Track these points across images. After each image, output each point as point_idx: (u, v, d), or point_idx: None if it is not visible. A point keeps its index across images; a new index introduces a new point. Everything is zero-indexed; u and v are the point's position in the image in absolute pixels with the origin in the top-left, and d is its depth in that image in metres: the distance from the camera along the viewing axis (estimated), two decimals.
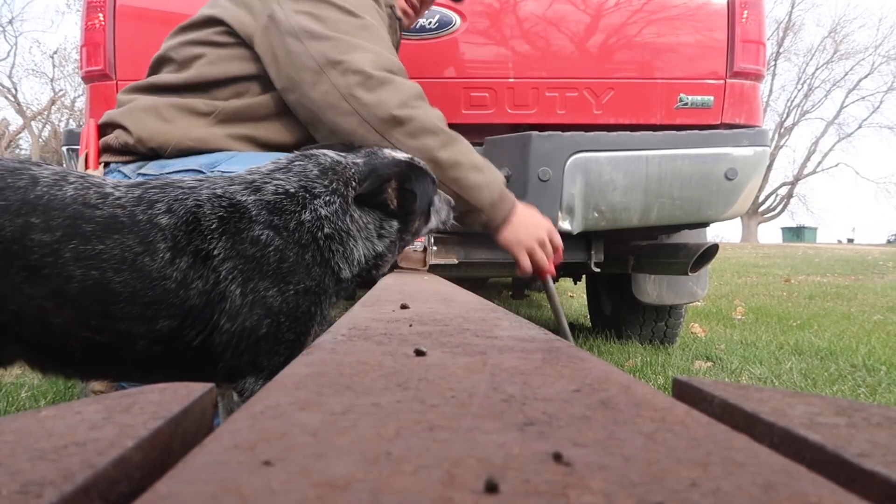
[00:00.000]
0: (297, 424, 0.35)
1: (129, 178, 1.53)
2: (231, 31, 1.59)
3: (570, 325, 3.94)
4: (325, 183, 1.17)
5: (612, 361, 2.70)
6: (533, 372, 0.48)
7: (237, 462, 0.29)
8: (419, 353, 0.55)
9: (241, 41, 1.58)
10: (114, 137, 1.59)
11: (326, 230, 1.14)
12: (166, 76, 1.64)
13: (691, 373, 2.57)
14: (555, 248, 1.71)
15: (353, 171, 1.23)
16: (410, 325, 0.72)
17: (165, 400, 0.43)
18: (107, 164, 1.60)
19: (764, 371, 2.55)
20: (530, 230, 1.67)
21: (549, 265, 1.71)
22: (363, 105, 1.46)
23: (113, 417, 0.38)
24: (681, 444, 0.32)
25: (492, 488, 0.26)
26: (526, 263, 1.67)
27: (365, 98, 1.47)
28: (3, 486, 0.28)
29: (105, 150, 1.62)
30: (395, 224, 1.28)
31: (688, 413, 0.38)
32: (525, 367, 0.50)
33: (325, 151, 1.25)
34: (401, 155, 1.36)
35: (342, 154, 1.27)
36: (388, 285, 1.38)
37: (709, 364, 2.72)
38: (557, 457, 0.30)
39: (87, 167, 1.60)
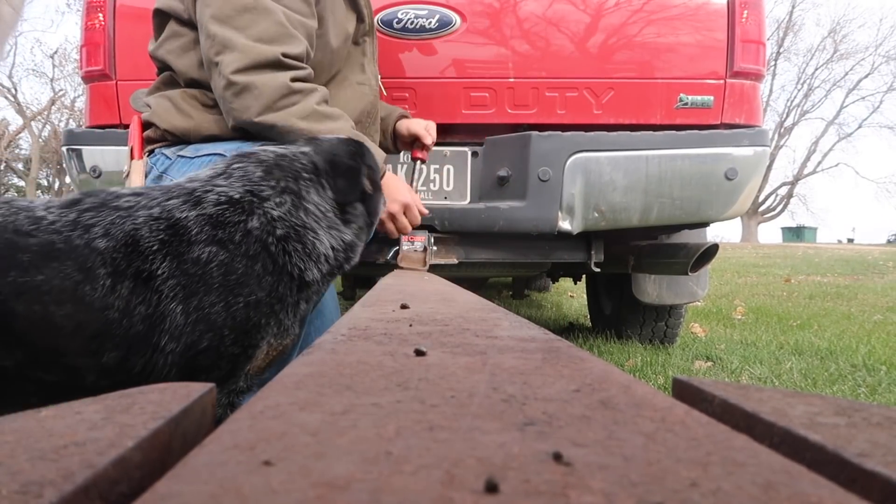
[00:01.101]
0: (297, 424, 0.35)
1: (171, 159, 1.61)
2: (178, 19, 1.64)
3: (571, 324, 3.95)
4: (273, 183, 1.12)
5: (612, 361, 2.70)
6: (533, 372, 0.48)
7: (237, 462, 0.29)
8: (419, 353, 0.55)
9: (192, 23, 1.62)
10: (151, 131, 1.66)
11: (279, 232, 1.09)
12: (168, 76, 1.72)
13: (691, 373, 2.57)
14: (411, 220, 1.83)
15: (301, 161, 1.18)
16: (410, 325, 0.72)
17: (165, 400, 0.43)
18: (151, 152, 1.67)
19: (764, 371, 2.54)
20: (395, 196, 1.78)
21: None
22: (233, 108, 1.51)
23: (113, 417, 0.38)
24: (681, 444, 0.32)
25: (492, 488, 0.26)
26: (390, 228, 1.81)
27: (233, 104, 1.50)
28: (3, 486, 0.28)
29: (147, 141, 1.69)
30: (359, 206, 1.24)
31: (688, 413, 0.38)
32: (525, 367, 0.50)
33: (266, 147, 1.21)
34: (340, 134, 1.35)
35: (284, 146, 1.23)
36: (388, 285, 1.38)
37: (709, 364, 2.72)
38: (557, 457, 0.30)
39: (131, 158, 1.67)
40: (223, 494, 0.25)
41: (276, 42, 1.54)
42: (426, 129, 2.05)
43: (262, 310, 1.06)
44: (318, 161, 1.21)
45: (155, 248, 0.99)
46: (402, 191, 1.79)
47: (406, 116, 2.11)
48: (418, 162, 2.08)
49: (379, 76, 2.01)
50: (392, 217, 1.78)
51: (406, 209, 1.80)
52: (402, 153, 2.24)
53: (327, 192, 1.19)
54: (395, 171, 2.29)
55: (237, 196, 1.07)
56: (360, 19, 1.87)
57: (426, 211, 1.89)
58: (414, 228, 2.08)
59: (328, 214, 1.18)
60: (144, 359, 0.98)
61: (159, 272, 0.98)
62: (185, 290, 0.99)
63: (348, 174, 1.21)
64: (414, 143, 2.08)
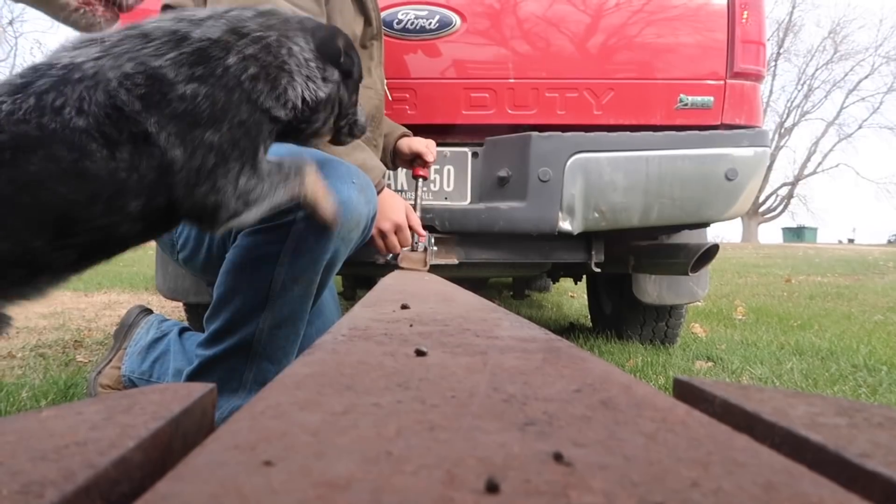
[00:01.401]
0: (297, 424, 0.35)
1: None
2: None
3: (571, 324, 3.95)
4: (260, 22, 1.14)
5: (613, 361, 2.70)
6: (533, 372, 0.48)
7: (237, 462, 0.29)
8: (420, 353, 0.55)
9: None
10: None
11: (251, 71, 1.10)
12: None
13: (692, 373, 2.57)
14: (402, 241, 1.88)
15: (294, 21, 1.21)
16: (411, 326, 0.72)
17: (166, 400, 0.43)
18: None
19: (765, 371, 2.54)
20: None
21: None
22: None
23: (114, 418, 0.38)
24: (682, 444, 0.32)
25: (492, 488, 0.26)
26: (379, 245, 1.85)
27: None
28: (4, 486, 0.28)
29: None
30: (335, 72, 1.25)
31: (689, 413, 0.38)
32: (526, 367, 0.50)
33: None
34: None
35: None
36: (389, 286, 1.38)
37: (710, 364, 2.72)
38: (558, 457, 0.30)
39: None
40: (224, 494, 0.25)
41: None
42: (427, 147, 2.08)
43: (245, 130, 1.10)
44: (306, 22, 1.24)
45: (139, 108, 1.00)
46: (396, 209, 1.80)
47: (407, 135, 2.13)
48: (420, 180, 2.11)
49: (385, 80, 2.02)
50: (382, 234, 1.80)
51: (398, 229, 1.82)
52: (401, 170, 2.26)
53: (310, 44, 1.21)
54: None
55: (216, 36, 1.08)
56: (367, 22, 1.88)
57: (423, 233, 1.92)
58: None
59: (310, 64, 1.19)
60: (166, 196, 1.05)
61: (151, 129, 1.00)
62: (179, 134, 1.03)
63: (327, 33, 1.24)
64: (414, 160, 2.11)
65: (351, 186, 1.42)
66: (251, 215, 1.16)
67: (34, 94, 0.96)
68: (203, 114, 1.04)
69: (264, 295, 1.39)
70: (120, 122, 0.99)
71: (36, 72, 0.99)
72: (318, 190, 1.30)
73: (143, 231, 1.09)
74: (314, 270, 1.40)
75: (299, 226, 1.36)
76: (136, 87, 1.00)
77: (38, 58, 1.11)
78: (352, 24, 1.83)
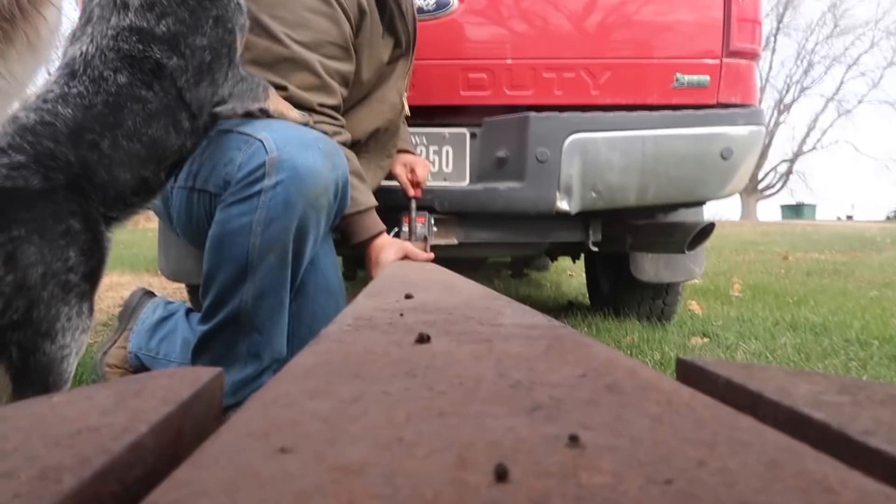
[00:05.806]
0: (308, 412, 0.35)
1: None
2: None
3: (570, 302, 3.97)
4: None
5: (610, 338, 2.72)
6: (538, 358, 0.49)
7: (252, 449, 0.30)
8: (425, 340, 0.55)
9: None
10: None
11: None
12: None
13: (687, 348, 2.59)
14: None
15: None
16: (415, 314, 0.73)
17: (175, 385, 0.43)
18: None
19: (759, 346, 2.56)
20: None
21: None
22: None
23: (124, 402, 0.39)
24: (687, 426, 0.33)
25: (503, 471, 0.27)
26: None
27: None
28: (22, 472, 0.28)
29: None
30: None
31: (693, 395, 0.38)
32: (530, 354, 0.50)
33: None
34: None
35: None
36: (391, 275, 1.39)
37: (705, 340, 2.74)
38: (573, 438, 0.30)
39: None
40: (242, 480, 0.26)
41: (313, 92, 1.64)
42: (411, 177, 2.09)
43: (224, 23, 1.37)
44: None
45: (140, 47, 1.28)
46: (389, 261, 1.80)
47: (407, 151, 2.15)
48: (413, 200, 2.10)
49: (404, 94, 2.01)
50: None
51: None
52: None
53: None
54: None
55: None
56: (397, 45, 1.89)
57: (424, 255, 1.90)
58: (417, 209, 2.10)
59: None
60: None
61: (156, 56, 1.27)
62: (172, 48, 1.29)
63: None
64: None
65: (316, 152, 1.44)
66: (231, 107, 1.39)
67: (85, 74, 1.22)
68: (185, 23, 1.29)
69: (243, 267, 1.43)
70: (139, 64, 1.25)
71: (70, 63, 1.24)
72: (280, 104, 1.52)
73: (195, 144, 1.37)
74: (286, 238, 1.43)
75: (267, 195, 1.40)
76: (128, 38, 1.25)
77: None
78: (379, 52, 1.84)
